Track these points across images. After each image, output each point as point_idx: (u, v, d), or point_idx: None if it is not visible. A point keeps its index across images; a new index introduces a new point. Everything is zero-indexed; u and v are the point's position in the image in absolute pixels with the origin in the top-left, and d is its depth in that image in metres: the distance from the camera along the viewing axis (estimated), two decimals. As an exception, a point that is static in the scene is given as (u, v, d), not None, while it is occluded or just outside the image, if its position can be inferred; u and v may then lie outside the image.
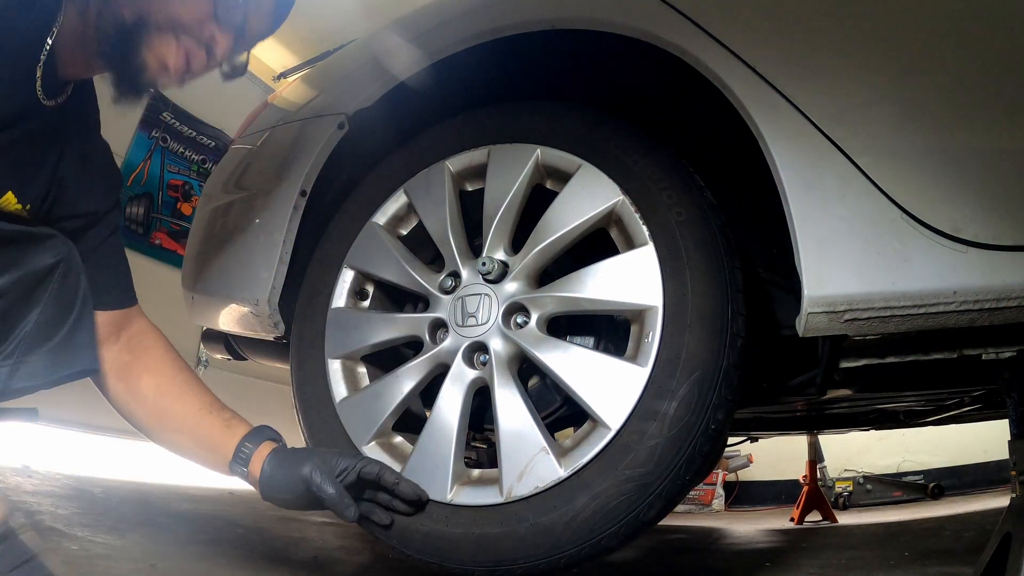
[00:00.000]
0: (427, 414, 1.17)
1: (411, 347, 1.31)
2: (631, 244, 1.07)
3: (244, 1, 0.98)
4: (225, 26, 0.97)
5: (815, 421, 2.45)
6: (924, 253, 0.84)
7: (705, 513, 4.64)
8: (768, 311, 1.26)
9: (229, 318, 1.49)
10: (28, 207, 0.97)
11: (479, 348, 1.14)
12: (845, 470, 4.42)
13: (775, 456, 4.74)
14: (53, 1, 0.90)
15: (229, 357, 1.80)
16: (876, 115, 0.89)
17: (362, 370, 1.29)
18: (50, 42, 0.91)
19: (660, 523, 1.05)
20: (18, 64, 0.88)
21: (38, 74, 0.92)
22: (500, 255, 1.16)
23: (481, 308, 1.13)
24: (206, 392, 1.17)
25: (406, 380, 1.18)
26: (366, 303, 1.33)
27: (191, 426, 1.13)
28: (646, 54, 1.06)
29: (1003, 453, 1.10)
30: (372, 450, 1.18)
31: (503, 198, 1.17)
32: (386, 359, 1.30)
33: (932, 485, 4.17)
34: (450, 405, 1.12)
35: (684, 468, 0.96)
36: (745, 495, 4.99)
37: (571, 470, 0.99)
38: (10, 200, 0.94)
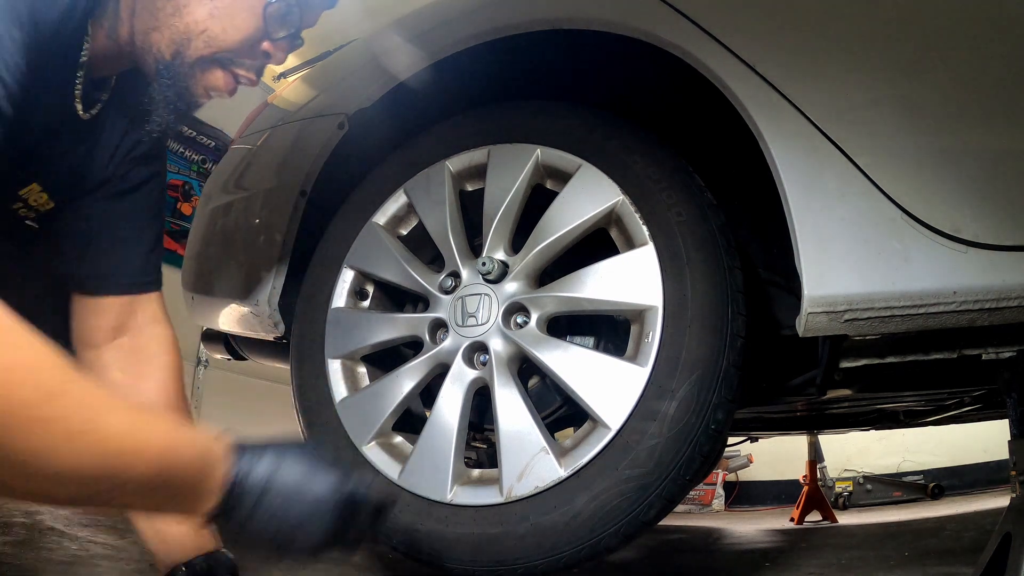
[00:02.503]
0: (427, 414, 1.17)
1: (411, 347, 1.31)
2: (631, 244, 1.07)
3: (298, 10, 0.86)
4: (279, 38, 0.87)
5: (815, 421, 2.45)
6: (924, 253, 0.84)
7: (705, 513, 4.64)
8: (768, 311, 1.25)
9: (229, 318, 1.49)
10: (53, 199, 0.91)
11: (479, 348, 1.14)
12: (845, 470, 4.42)
13: (775, 456, 4.73)
14: (78, 28, 0.80)
15: (229, 357, 1.80)
16: (876, 115, 0.89)
17: (362, 370, 1.29)
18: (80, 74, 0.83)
19: (660, 523, 1.05)
20: (55, 90, 0.80)
21: (76, 93, 0.84)
22: (500, 255, 1.16)
23: (481, 308, 1.13)
24: None
25: (406, 380, 1.18)
26: (366, 303, 1.33)
27: None
28: (646, 54, 1.06)
29: (1003, 453, 1.10)
30: (372, 450, 1.18)
31: (503, 198, 1.17)
32: (386, 359, 1.30)
33: (932, 485, 4.17)
34: (450, 405, 1.12)
35: (684, 468, 0.96)
36: (745, 495, 4.99)
37: (571, 470, 0.99)
38: (34, 189, 0.88)
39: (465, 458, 1.14)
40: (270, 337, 1.41)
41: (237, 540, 0.78)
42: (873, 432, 2.72)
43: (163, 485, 0.62)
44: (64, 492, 0.56)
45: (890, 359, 1.00)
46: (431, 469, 1.11)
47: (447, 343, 1.16)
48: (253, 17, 0.83)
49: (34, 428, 0.49)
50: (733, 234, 1.06)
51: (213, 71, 0.85)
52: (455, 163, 1.25)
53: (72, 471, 0.53)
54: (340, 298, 1.30)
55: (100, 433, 0.54)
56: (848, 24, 0.94)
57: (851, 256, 0.86)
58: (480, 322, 1.12)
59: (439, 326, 1.19)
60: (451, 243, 1.20)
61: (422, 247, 1.30)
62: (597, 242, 1.12)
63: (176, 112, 0.87)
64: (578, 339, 1.21)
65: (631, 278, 1.04)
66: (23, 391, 0.48)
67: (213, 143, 4.10)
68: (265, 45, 0.86)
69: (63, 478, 0.53)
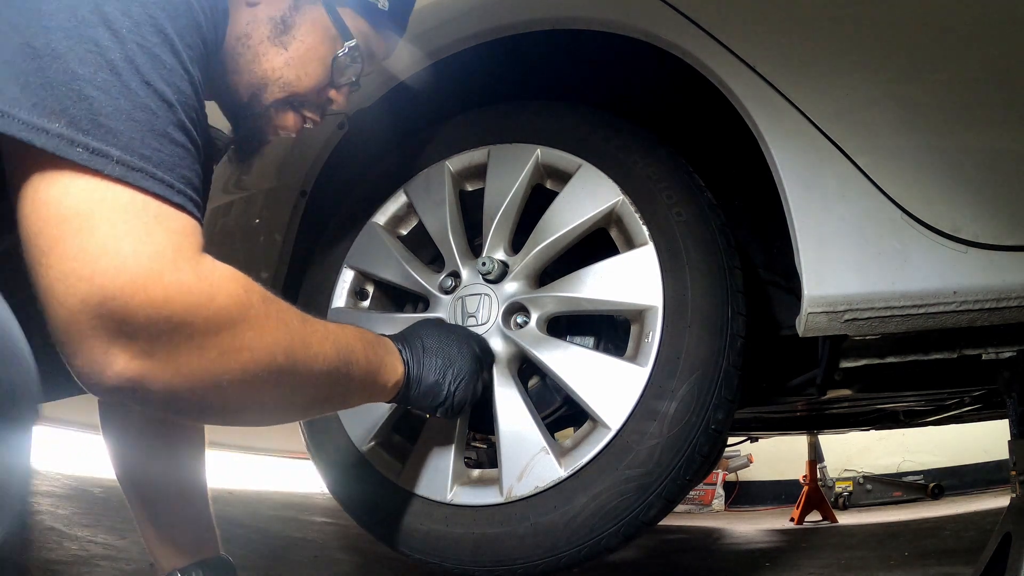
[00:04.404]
0: (427, 414, 1.17)
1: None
2: (631, 244, 1.07)
3: (361, 63, 0.93)
4: (343, 86, 0.95)
5: (815, 421, 2.45)
6: (924, 253, 0.84)
7: (705, 513, 4.64)
8: (768, 311, 1.25)
9: (229, 318, 1.49)
10: None
11: (479, 348, 1.14)
12: (845, 470, 4.43)
13: (775, 456, 4.74)
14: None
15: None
16: (876, 115, 0.89)
17: (362, 370, 1.28)
18: None
19: (660, 523, 1.05)
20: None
21: None
22: (500, 255, 1.16)
23: (481, 308, 1.13)
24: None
25: (406, 380, 1.18)
26: (366, 303, 1.32)
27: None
28: (646, 54, 1.06)
29: (1003, 453, 1.10)
30: (372, 450, 1.18)
31: (503, 198, 1.17)
32: (386, 359, 1.30)
33: (932, 485, 4.17)
34: (450, 405, 1.11)
35: (684, 468, 0.96)
36: (745, 495, 4.99)
37: (571, 470, 0.99)
38: None
39: (465, 458, 1.14)
40: (270, 337, 1.40)
41: (419, 400, 0.94)
42: (873, 432, 2.72)
43: (369, 364, 0.83)
44: (323, 385, 0.76)
45: (890, 359, 1.00)
46: (431, 469, 1.11)
47: (447, 343, 1.15)
48: (323, 67, 0.90)
49: (307, 340, 0.70)
50: (733, 234, 1.06)
51: (285, 113, 0.91)
52: (455, 163, 1.25)
53: (328, 367, 0.74)
54: (340, 298, 1.30)
55: (332, 335, 0.76)
56: (848, 24, 0.94)
57: (851, 256, 0.86)
58: (480, 322, 1.12)
59: (439, 326, 1.19)
60: (451, 243, 1.20)
61: (422, 247, 1.30)
62: (597, 242, 1.12)
63: (245, 149, 0.93)
64: (578, 339, 1.21)
65: (631, 278, 1.04)
66: (293, 321, 0.69)
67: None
68: (331, 92, 0.93)
69: (322, 376, 0.74)
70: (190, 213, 0.61)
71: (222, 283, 0.60)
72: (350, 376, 0.80)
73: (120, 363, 0.56)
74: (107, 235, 0.55)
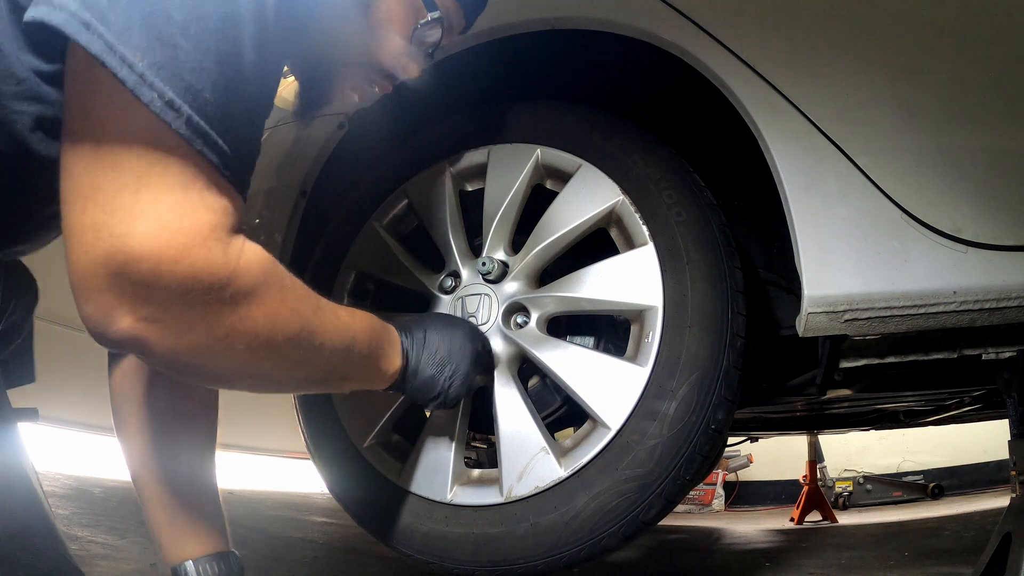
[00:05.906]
0: (427, 414, 1.17)
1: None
2: (631, 244, 1.07)
3: (440, 35, 0.91)
4: (420, 56, 0.92)
5: (815, 421, 2.45)
6: (924, 253, 0.84)
7: (705, 513, 4.64)
8: (768, 311, 1.25)
9: (229, 318, 1.49)
10: None
11: (479, 348, 1.13)
12: (845, 470, 4.43)
13: (775, 456, 4.74)
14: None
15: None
16: (876, 115, 0.89)
17: (362, 370, 1.28)
18: None
19: (660, 523, 1.05)
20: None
21: None
22: (500, 255, 1.16)
23: (481, 308, 1.13)
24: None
25: (406, 380, 1.18)
26: (366, 303, 1.32)
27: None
28: (646, 54, 1.06)
29: (1003, 453, 1.10)
30: (371, 450, 1.18)
31: (503, 198, 1.17)
32: (386, 359, 1.30)
33: (932, 485, 4.17)
34: (450, 405, 1.11)
35: (684, 468, 0.96)
36: (745, 495, 4.99)
37: (571, 470, 0.99)
38: None
39: (465, 458, 1.14)
40: (270, 337, 1.40)
41: (415, 392, 0.95)
42: (873, 432, 2.72)
43: (370, 353, 0.85)
44: (321, 368, 0.77)
45: (890, 359, 1.00)
46: (431, 469, 1.11)
47: (447, 343, 1.15)
48: (402, 36, 0.87)
49: (316, 329, 0.72)
50: (733, 234, 1.06)
51: (355, 78, 0.89)
52: (455, 163, 1.25)
53: (330, 353, 0.75)
54: (340, 298, 1.30)
55: (339, 315, 0.77)
56: (848, 24, 0.94)
57: (851, 256, 0.86)
58: (480, 322, 1.12)
59: (439, 326, 1.19)
60: (451, 243, 1.20)
61: (422, 247, 1.30)
62: (597, 242, 1.12)
63: (308, 108, 0.91)
64: (578, 339, 1.21)
65: (631, 278, 1.04)
66: (306, 309, 0.70)
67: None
68: (405, 61, 0.91)
69: (323, 361, 0.75)
70: (239, 190, 0.60)
71: (246, 266, 0.60)
72: (350, 363, 0.81)
73: (127, 322, 0.56)
74: (152, 199, 0.53)
